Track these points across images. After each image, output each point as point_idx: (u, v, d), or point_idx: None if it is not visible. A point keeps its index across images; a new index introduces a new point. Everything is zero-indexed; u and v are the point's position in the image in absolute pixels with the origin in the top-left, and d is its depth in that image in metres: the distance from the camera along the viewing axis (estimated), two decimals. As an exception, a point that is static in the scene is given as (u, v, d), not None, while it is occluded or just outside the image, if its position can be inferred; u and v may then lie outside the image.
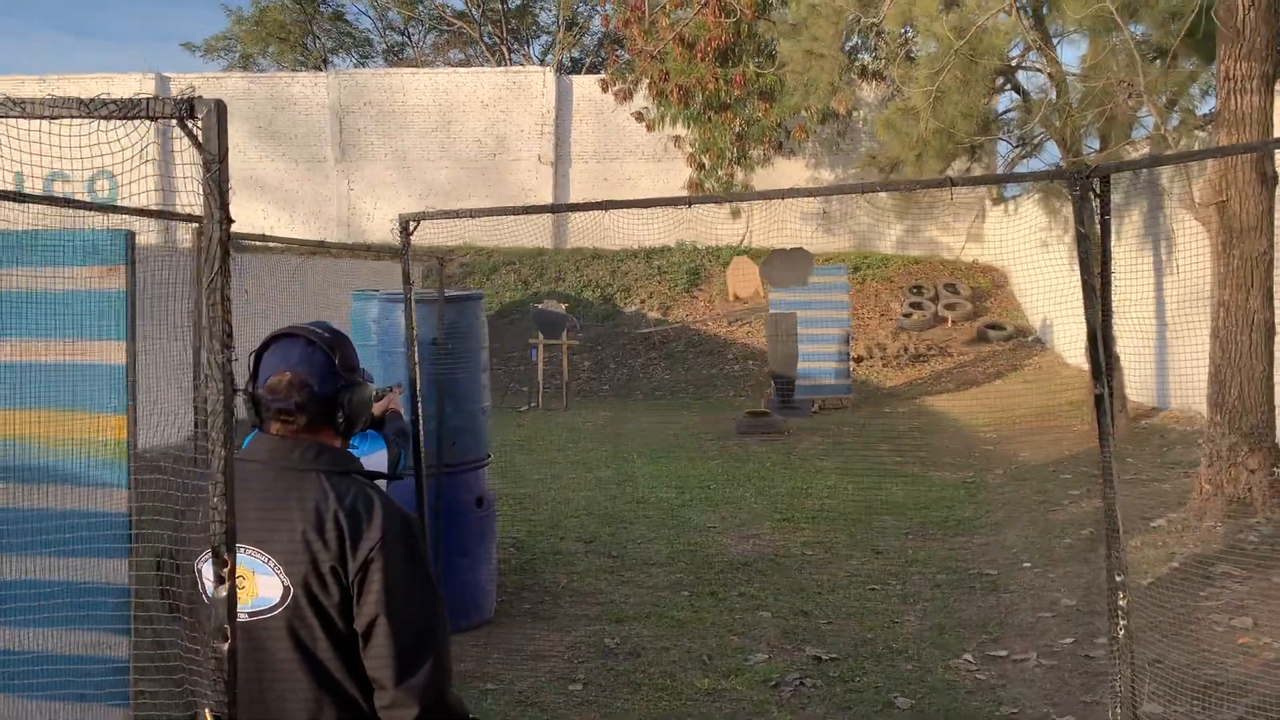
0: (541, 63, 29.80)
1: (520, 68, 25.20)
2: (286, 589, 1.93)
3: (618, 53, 21.10)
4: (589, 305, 18.17)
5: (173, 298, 5.13)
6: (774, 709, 4.73)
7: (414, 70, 23.80)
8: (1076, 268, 3.49)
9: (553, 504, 8.82)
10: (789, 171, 19.45)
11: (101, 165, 2.10)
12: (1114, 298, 3.33)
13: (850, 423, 12.77)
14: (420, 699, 1.94)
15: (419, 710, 1.93)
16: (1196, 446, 7.77)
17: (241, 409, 1.97)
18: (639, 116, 18.60)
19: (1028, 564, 6.77)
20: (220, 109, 1.48)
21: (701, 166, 18.62)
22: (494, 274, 19.05)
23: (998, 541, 7.39)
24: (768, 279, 14.41)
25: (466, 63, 30.70)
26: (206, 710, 1.71)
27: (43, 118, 1.49)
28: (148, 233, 4.38)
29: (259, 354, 2.11)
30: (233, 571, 1.63)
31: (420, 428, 4.61)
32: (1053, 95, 10.84)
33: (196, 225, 4.20)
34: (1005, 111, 13.52)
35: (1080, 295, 3.34)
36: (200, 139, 1.48)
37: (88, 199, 4.01)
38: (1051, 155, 12.42)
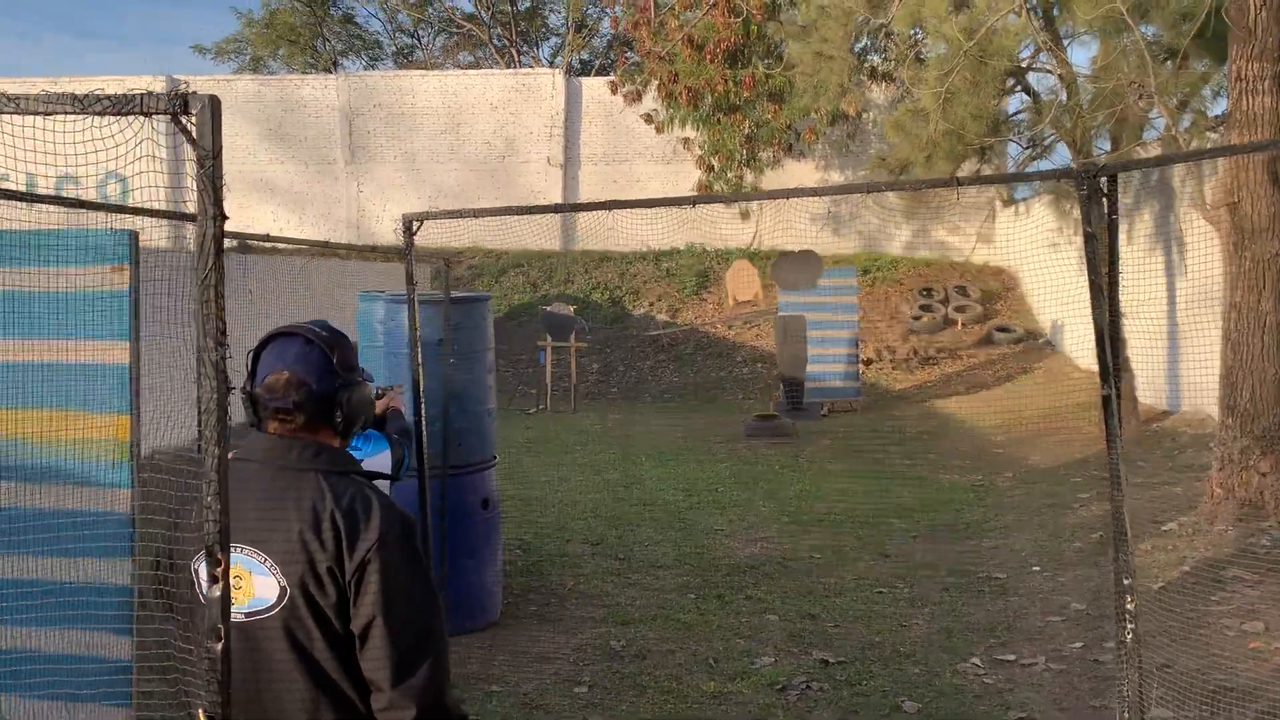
0: (551, 65, 29.85)
1: (529, 70, 25.21)
2: (283, 589, 1.92)
3: (627, 55, 21.12)
4: (597, 307, 18.16)
5: (179, 298, 5.13)
6: (780, 712, 4.70)
7: (423, 72, 23.82)
8: (1086, 269, 3.46)
9: (560, 506, 8.81)
10: (799, 173, 19.41)
11: (112, 167, 2.10)
12: (1124, 300, 3.31)
13: (859, 426, 12.72)
14: (418, 701, 1.92)
15: (416, 712, 1.91)
16: (1208, 449, 7.71)
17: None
18: (648, 118, 18.60)
19: (1037, 568, 6.73)
20: (214, 104, 1.47)
21: (711, 168, 18.60)
22: (503, 276, 19.06)
23: (1007, 545, 7.35)
24: (777, 281, 14.38)
25: (476, 65, 30.74)
26: (200, 711, 1.70)
27: (38, 114, 1.48)
28: (156, 233, 4.37)
29: (257, 352, 2.10)
30: (226, 571, 1.61)
31: (424, 428, 4.60)
32: (1063, 96, 10.79)
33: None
34: (1016, 113, 13.46)
35: (1089, 297, 3.31)
36: (194, 135, 1.47)
37: (99, 201, 4.01)
38: (1062, 157, 12.35)
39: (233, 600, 1.86)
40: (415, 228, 4.28)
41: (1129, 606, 3.31)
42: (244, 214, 20.07)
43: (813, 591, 6.42)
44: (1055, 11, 10.57)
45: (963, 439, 11.73)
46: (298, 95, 21.65)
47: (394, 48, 32.82)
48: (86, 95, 1.44)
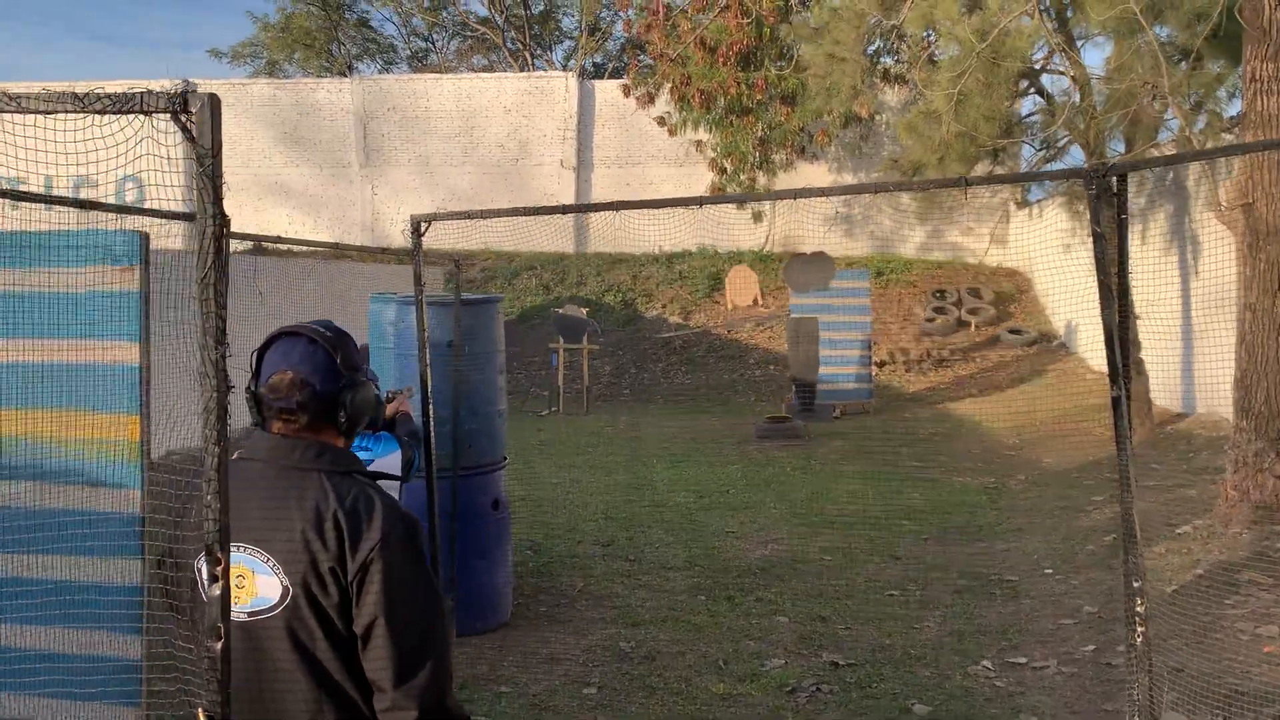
0: (564, 68, 29.90)
1: (543, 73, 25.25)
2: (286, 589, 1.91)
3: (639, 58, 21.12)
4: (610, 310, 18.16)
5: (192, 299, 5.15)
6: (790, 715, 4.69)
7: (437, 76, 23.89)
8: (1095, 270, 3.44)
9: (571, 508, 8.81)
10: (811, 176, 19.38)
11: (129, 170, 2.11)
12: (1138, 301, 3.30)
13: (871, 427, 12.68)
14: (419, 701, 1.92)
15: (418, 713, 1.91)
16: (1223, 452, 7.66)
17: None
18: (661, 121, 18.61)
19: (1049, 570, 6.70)
20: (213, 103, 1.47)
21: (724, 171, 18.60)
22: (515, 278, 19.08)
23: (1019, 547, 7.31)
24: (789, 283, 14.36)
25: (489, 68, 30.83)
26: (200, 710, 1.70)
27: (38, 112, 1.48)
28: (171, 234, 4.39)
29: (261, 352, 2.10)
30: (226, 570, 1.61)
31: (432, 430, 4.60)
32: (1077, 98, 10.73)
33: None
34: (1029, 115, 13.41)
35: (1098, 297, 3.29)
36: (194, 133, 1.47)
37: (98, 201, 4.03)
38: (1076, 159, 12.27)
39: (236, 600, 1.86)
40: (423, 229, 4.29)
41: (1139, 609, 3.28)
42: (260, 217, 20.17)
43: (823, 593, 6.40)
44: (1068, 13, 10.52)
45: (975, 441, 11.68)
46: (313, 99, 21.75)
47: (408, 51, 32.97)
48: (87, 94, 1.44)
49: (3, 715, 3.64)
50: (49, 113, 1.47)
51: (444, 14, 31.73)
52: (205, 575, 1.74)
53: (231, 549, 1.80)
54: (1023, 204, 18.34)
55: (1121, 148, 10.68)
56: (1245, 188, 6.70)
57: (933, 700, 4.77)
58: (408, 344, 5.67)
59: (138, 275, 3.58)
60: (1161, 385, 10.90)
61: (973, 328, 16.81)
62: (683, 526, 8.14)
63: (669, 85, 17.77)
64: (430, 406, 4.65)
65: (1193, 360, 10.52)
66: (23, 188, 3.59)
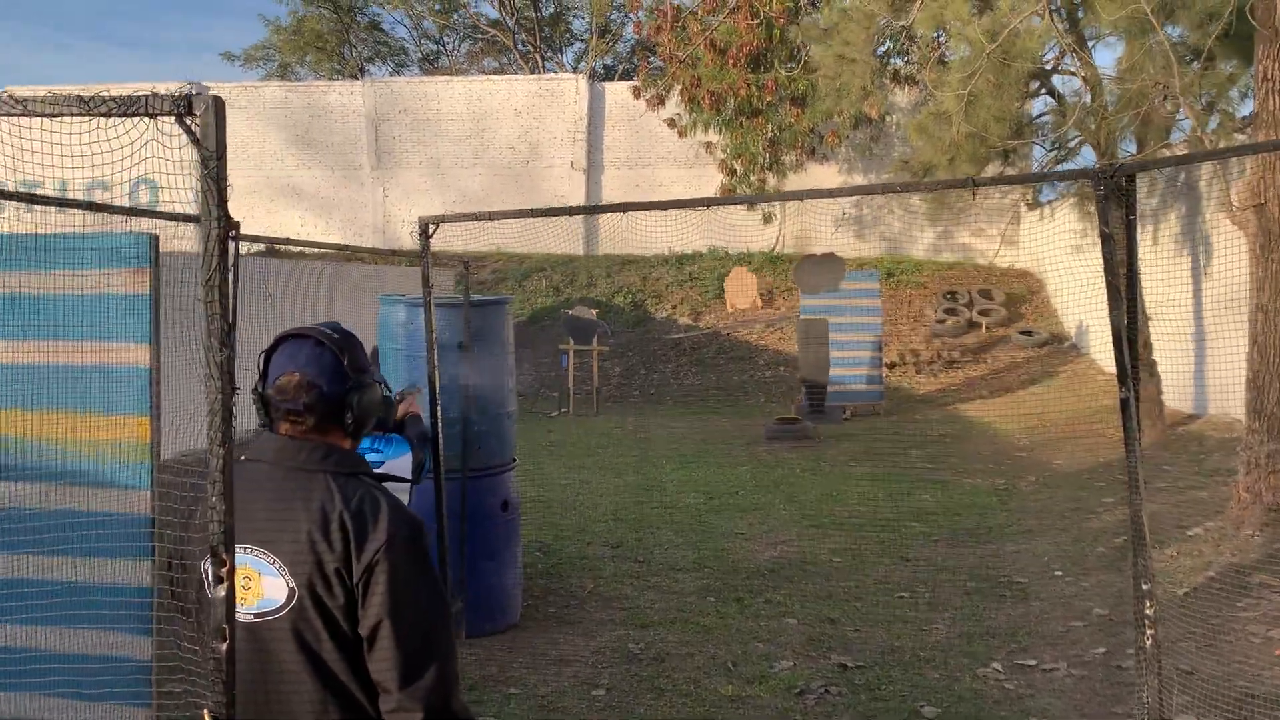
0: (574, 70, 29.90)
1: (553, 75, 25.28)
2: (291, 590, 1.92)
3: (649, 59, 21.12)
4: (620, 311, 18.16)
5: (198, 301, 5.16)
6: (798, 717, 4.68)
7: (448, 78, 23.94)
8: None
9: (580, 509, 8.81)
10: (822, 177, 19.35)
11: (142, 172, 2.12)
12: (1150, 302, 3.28)
13: (882, 429, 12.65)
14: (424, 703, 1.92)
15: (423, 715, 1.91)
16: (1234, 454, 7.62)
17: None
18: (671, 123, 18.61)
19: (1059, 572, 6.67)
20: (218, 105, 1.48)
21: (734, 172, 18.60)
22: (526, 280, 19.10)
23: (1029, 549, 7.29)
24: (799, 284, 14.34)
25: (500, 71, 30.88)
26: (206, 711, 1.70)
27: (43, 115, 1.49)
28: (181, 238, 4.42)
29: (268, 354, 2.10)
30: (231, 571, 1.62)
31: (440, 431, 4.61)
32: (1088, 99, 10.70)
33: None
34: (1039, 115, 13.37)
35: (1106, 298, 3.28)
36: (198, 136, 1.48)
37: (102, 204, 4.05)
38: (1087, 159, 12.24)
39: (242, 601, 1.87)
40: (432, 231, 4.30)
41: (1148, 612, 3.27)
42: (272, 219, 20.24)
43: (832, 595, 6.39)
44: (1079, 13, 10.48)
45: (985, 443, 11.65)
46: (324, 101, 21.81)
47: (419, 54, 33.06)
48: (92, 97, 1.45)
49: (15, 715, 3.66)
50: (54, 116, 1.48)
51: (455, 17, 31.80)
52: (211, 576, 1.74)
53: (238, 550, 1.80)
54: (1034, 205, 18.28)
55: (1133, 148, 10.64)
56: (1257, 188, 6.67)
57: (942, 702, 4.76)
58: (417, 345, 5.68)
59: (148, 277, 3.59)
60: (1173, 386, 10.85)
61: (984, 329, 16.75)
62: (692, 528, 8.14)
63: (679, 87, 17.77)
64: (439, 408, 4.65)
65: (1204, 361, 10.47)
66: (38, 191, 3.60)
